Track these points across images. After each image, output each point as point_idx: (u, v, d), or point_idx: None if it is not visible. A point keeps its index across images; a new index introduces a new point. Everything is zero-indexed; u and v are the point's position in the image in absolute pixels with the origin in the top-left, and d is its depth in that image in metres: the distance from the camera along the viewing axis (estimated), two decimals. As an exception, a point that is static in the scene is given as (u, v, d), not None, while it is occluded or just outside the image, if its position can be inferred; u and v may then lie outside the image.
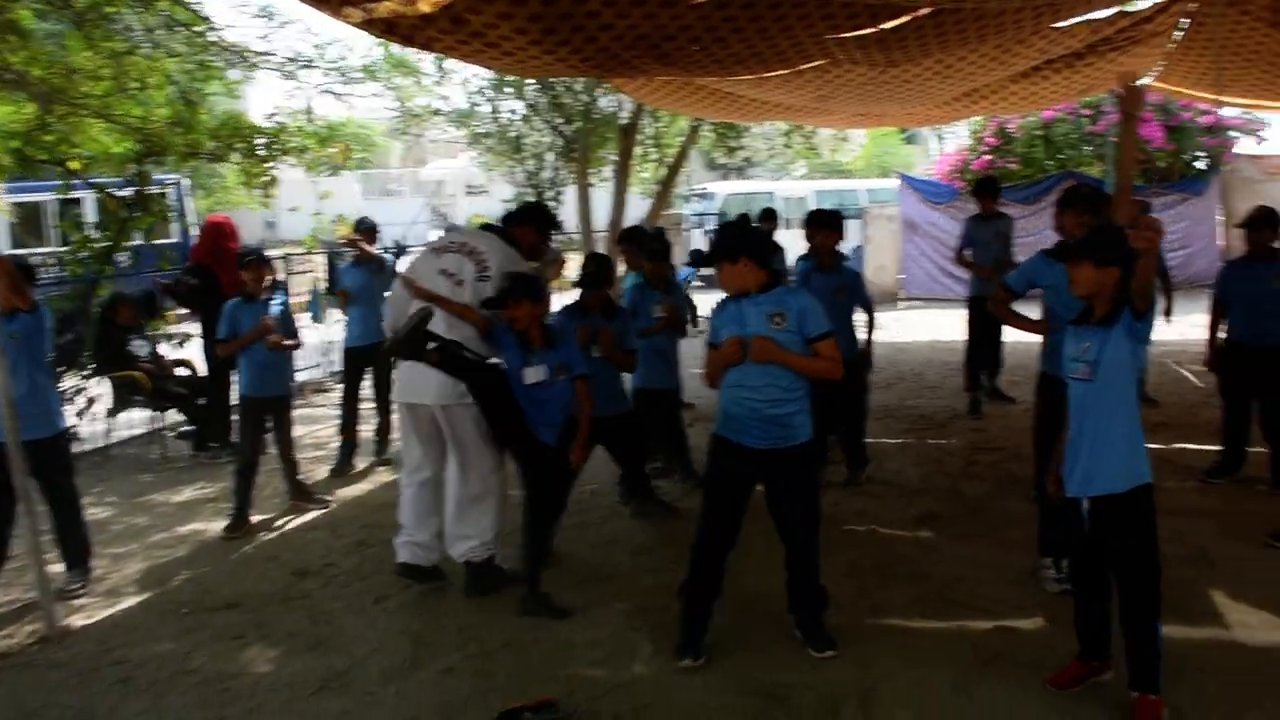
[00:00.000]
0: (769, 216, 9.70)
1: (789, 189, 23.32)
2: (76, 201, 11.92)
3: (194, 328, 8.87)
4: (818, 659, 3.95)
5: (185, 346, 9.13)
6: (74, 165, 9.25)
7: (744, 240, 4.02)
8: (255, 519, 6.11)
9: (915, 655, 3.96)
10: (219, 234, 8.15)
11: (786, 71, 7.16)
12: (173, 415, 8.40)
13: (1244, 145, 17.08)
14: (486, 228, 4.88)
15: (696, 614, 3.98)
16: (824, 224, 6.40)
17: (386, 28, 5.23)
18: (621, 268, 7.46)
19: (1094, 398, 3.40)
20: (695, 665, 3.84)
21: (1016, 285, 4.74)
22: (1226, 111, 14.67)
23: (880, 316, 6.79)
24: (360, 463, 7.52)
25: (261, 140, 9.82)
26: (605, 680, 3.90)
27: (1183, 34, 8.27)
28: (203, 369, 8.43)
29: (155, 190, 9.89)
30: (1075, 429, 3.49)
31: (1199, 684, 3.62)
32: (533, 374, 4.46)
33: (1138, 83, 10.33)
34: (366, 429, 7.74)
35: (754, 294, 3.91)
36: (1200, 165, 17.03)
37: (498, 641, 4.28)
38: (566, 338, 4.78)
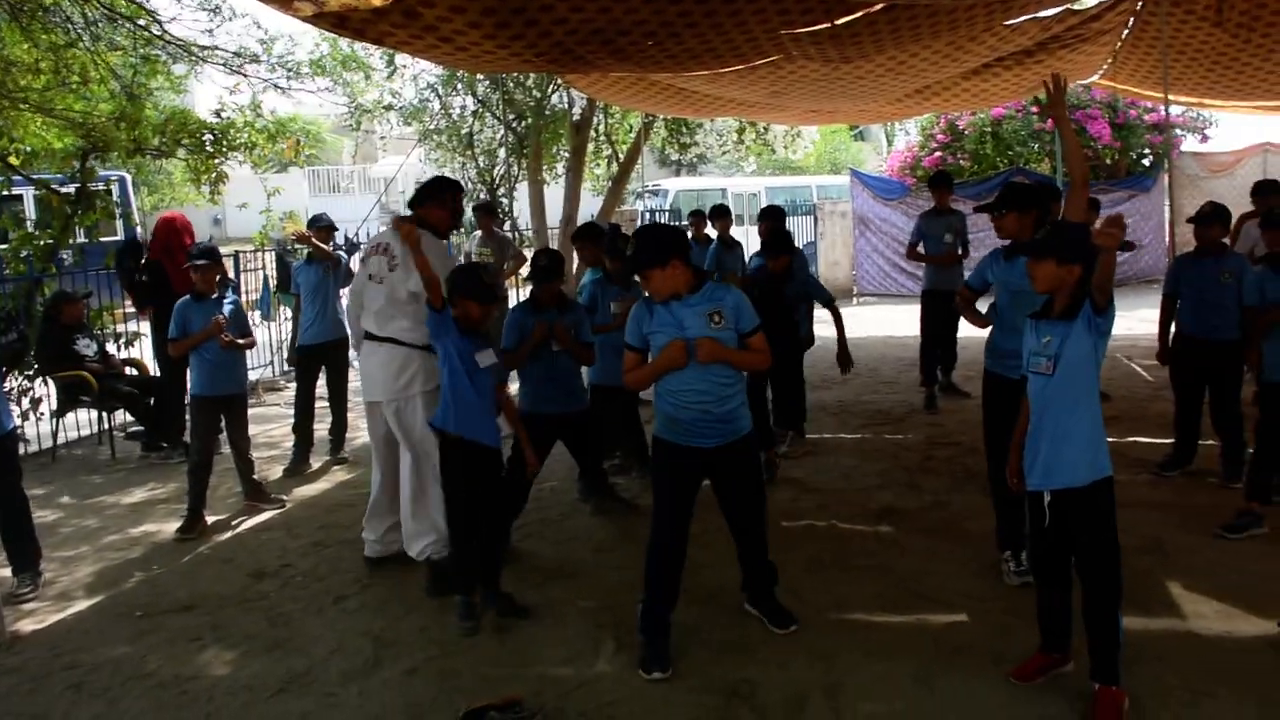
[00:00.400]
0: (723, 213, 9.69)
1: (741, 185, 23.40)
2: (17, 198, 11.63)
3: (144, 326, 8.69)
4: (782, 651, 3.97)
5: (134, 346, 8.95)
6: (13, 160, 9.02)
7: (671, 242, 3.91)
8: (209, 520, 6.01)
9: (878, 649, 3.98)
10: (171, 230, 7.99)
11: (741, 67, 7.18)
12: (121, 415, 8.24)
13: (1189, 143, 17.44)
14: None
15: (658, 626, 3.96)
16: (776, 251, 6.55)
17: (338, 22, 5.17)
18: (576, 263, 7.45)
19: (1055, 392, 3.43)
20: (664, 677, 3.82)
21: (976, 284, 4.81)
22: (1172, 109, 14.94)
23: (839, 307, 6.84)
24: (315, 462, 7.43)
25: (209, 136, 9.66)
26: (571, 678, 3.88)
27: (1129, 32, 8.42)
28: (155, 368, 8.29)
29: (99, 187, 9.69)
30: (1035, 423, 3.51)
31: (1157, 673, 3.67)
32: (485, 357, 4.40)
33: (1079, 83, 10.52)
34: (321, 427, 7.64)
35: (685, 295, 3.88)
36: (1146, 162, 17.35)
37: (461, 641, 4.24)
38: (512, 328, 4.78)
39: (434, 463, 4.68)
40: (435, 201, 4.93)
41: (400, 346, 4.80)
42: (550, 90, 14.69)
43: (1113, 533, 3.43)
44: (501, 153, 16.28)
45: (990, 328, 4.68)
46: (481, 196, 15.70)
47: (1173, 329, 6.07)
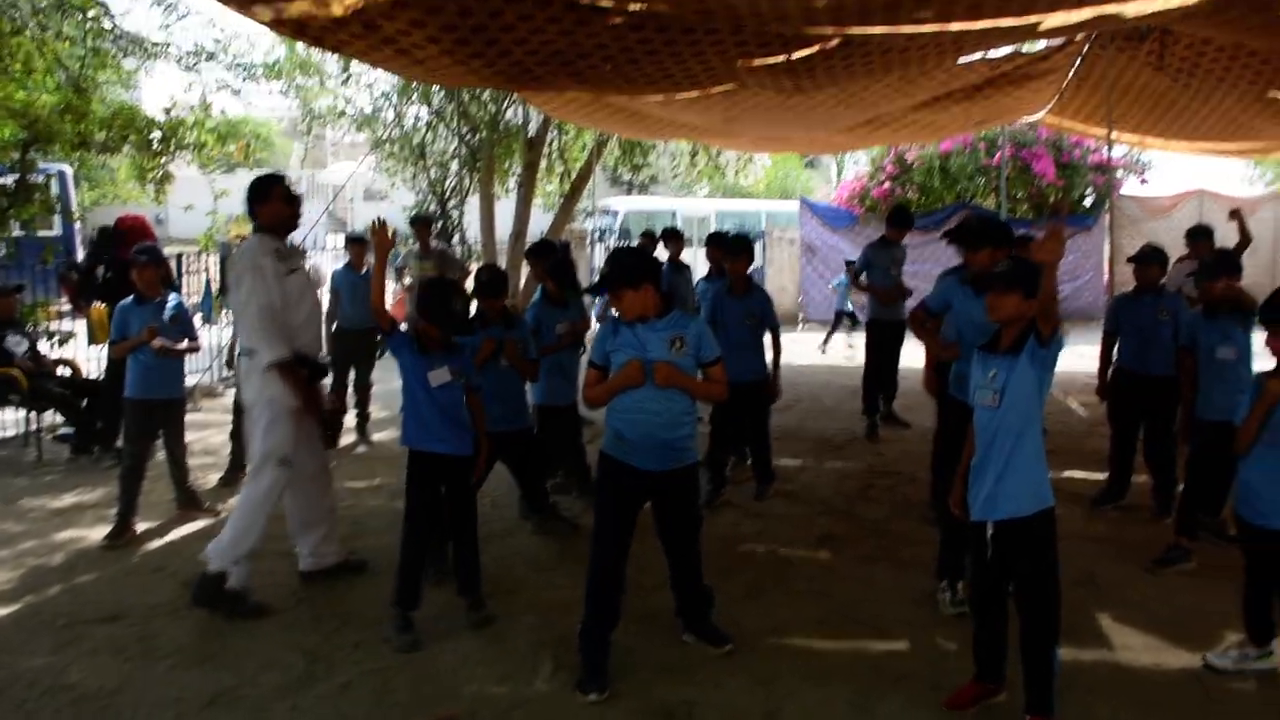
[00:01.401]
0: (675, 236, 9.69)
1: (692, 208, 23.51)
2: (-50, 188, 11.31)
3: (79, 325, 8.50)
4: (721, 674, 3.96)
5: (66, 345, 8.74)
6: (-50, 149, 8.79)
7: (647, 266, 4.01)
8: (140, 527, 5.86)
9: (817, 674, 4.00)
10: (144, 232, 7.84)
11: (696, 93, 7.23)
12: (51, 416, 8.02)
13: (1129, 185, 17.90)
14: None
15: (598, 646, 3.94)
16: (737, 250, 6.46)
17: (297, 28, 5.12)
18: (524, 279, 7.41)
19: (1000, 424, 3.47)
20: (601, 698, 3.80)
21: (935, 306, 4.85)
22: (1114, 152, 15.33)
23: (781, 338, 6.85)
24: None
25: (157, 134, 9.49)
26: (508, 697, 3.84)
27: (1075, 72, 8.65)
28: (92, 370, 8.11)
29: (38, 179, 9.46)
30: (981, 454, 3.56)
31: (1087, 704, 3.73)
32: (437, 376, 4.41)
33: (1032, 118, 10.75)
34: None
35: (651, 319, 3.93)
36: (1088, 202, 17.77)
37: (398, 657, 4.18)
38: (463, 347, 4.73)
39: (265, 485, 4.76)
40: (257, 201, 4.72)
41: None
42: (505, 105, 14.65)
43: (1053, 564, 3.48)
44: (454, 165, 16.20)
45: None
46: (432, 209, 15.62)
47: (1112, 365, 6.20)
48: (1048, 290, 3.37)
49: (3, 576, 5.25)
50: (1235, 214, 7.63)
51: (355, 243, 8.58)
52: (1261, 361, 4.27)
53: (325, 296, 8.41)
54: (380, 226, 4.54)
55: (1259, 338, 4.32)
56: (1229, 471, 5.40)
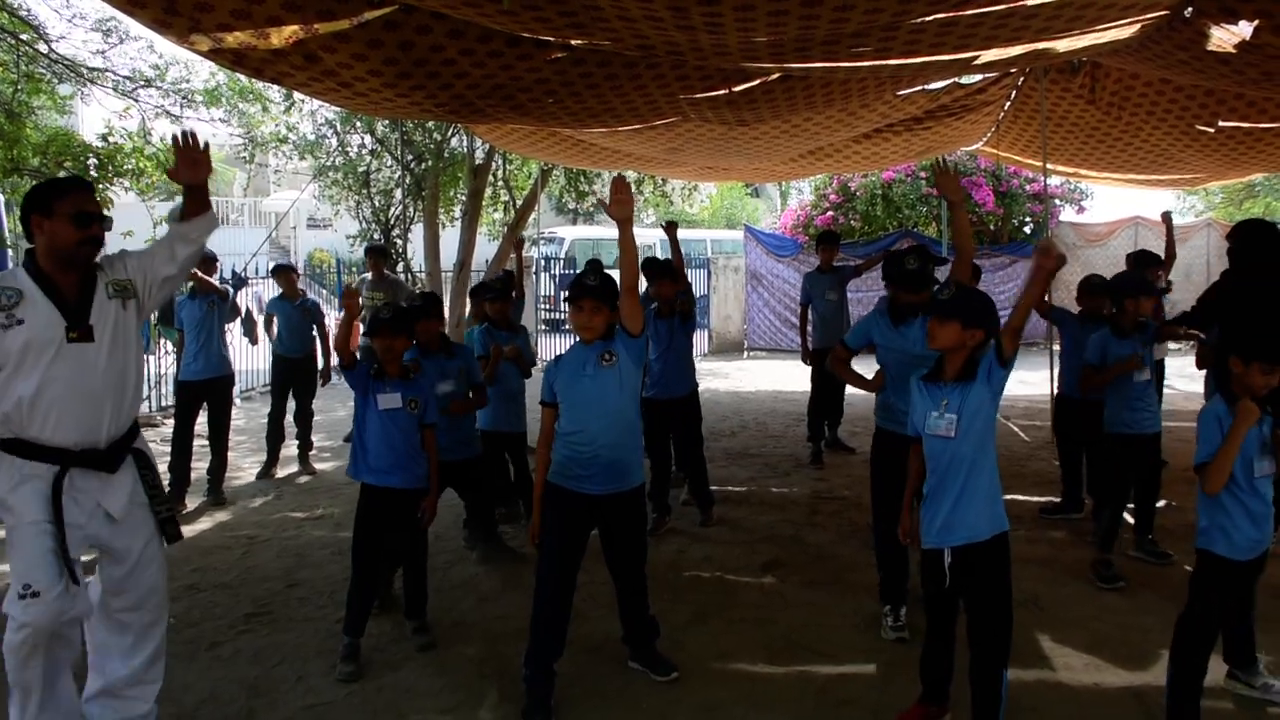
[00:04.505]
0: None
1: (638, 236, 23.54)
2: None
3: None
4: (666, 702, 3.96)
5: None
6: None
7: (614, 291, 4.03)
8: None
9: (762, 700, 4.01)
10: None
11: (639, 125, 7.30)
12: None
13: (1067, 213, 18.32)
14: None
15: (544, 675, 3.91)
16: (663, 273, 6.53)
17: (236, 59, 5.09)
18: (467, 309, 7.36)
19: (955, 452, 3.48)
20: None
21: (854, 343, 4.86)
22: (1051, 181, 15.69)
23: (725, 365, 6.90)
24: (191, 502, 7.17)
25: (93, 160, 9.37)
26: (451, 730, 3.81)
27: (1011, 104, 8.85)
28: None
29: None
30: (935, 484, 3.55)
31: (1028, 725, 3.78)
32: (386, 400, 4.42)
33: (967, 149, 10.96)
34: (199, 466, 7.40)
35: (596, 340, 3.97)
36: (1027, 229, 18.14)
37: (339, 690, 4.12)
38: (419, 380, 4.70)
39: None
40: (39, 213, 3.31)
41: None
42: (450, 133, 14.65)
43: (1008, 587, 3.52)
44: (398, 193, 16.11)
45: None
46: (375, 237, 15.52)
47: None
48: (1026, 308, 3.43)
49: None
50: (1166, 217, 7.67)
51: (284, 271, 8.53)
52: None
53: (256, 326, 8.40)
54: (350, 294, 4.53)
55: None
56: (1151, 488, 5.62)
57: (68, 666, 3.38)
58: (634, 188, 18.51)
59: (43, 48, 9.15)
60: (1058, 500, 6.68)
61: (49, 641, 3.23)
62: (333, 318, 10.60)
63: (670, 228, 6.75)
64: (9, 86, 9.41)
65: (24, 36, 8.96)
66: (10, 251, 15.70)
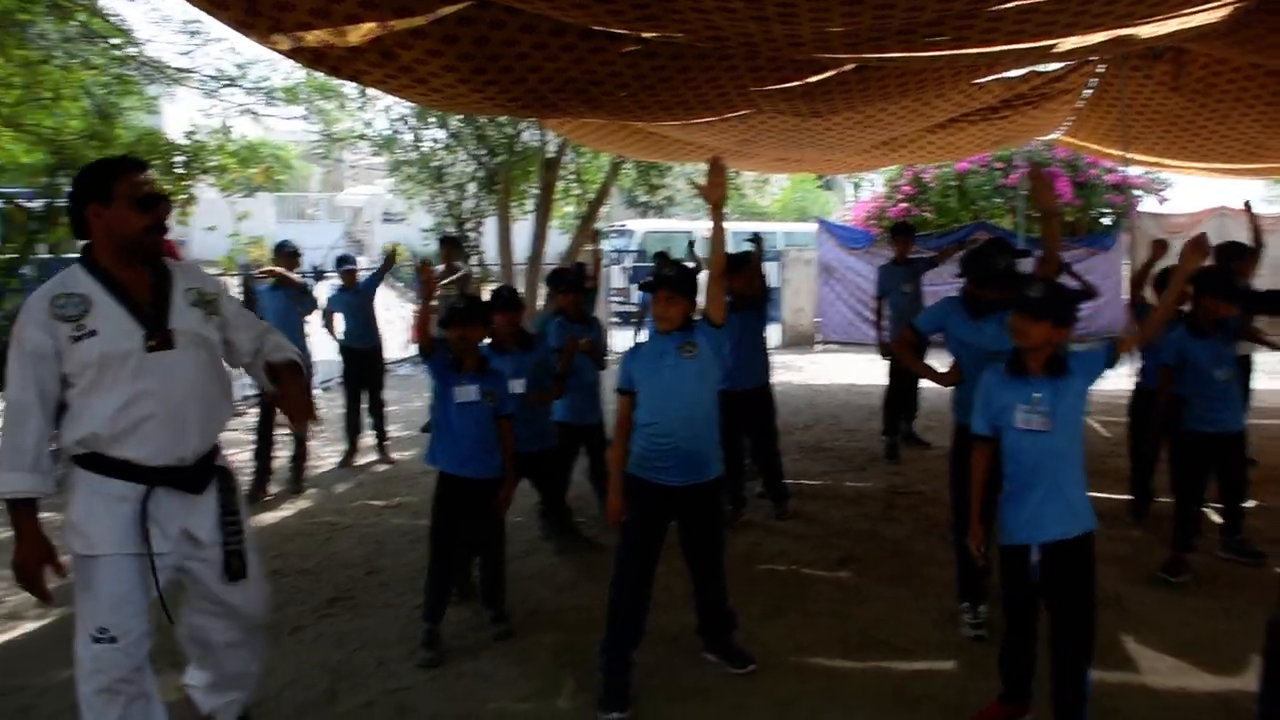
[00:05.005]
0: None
1: (708, 229, 23.50)
2: (-22, 211, 11.50)
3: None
4: (740, 696, 3.97)
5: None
6: (-21, 174, 8.95)
7: (694, 284, 4.06)
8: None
9: (839, 695, 3.99)
10: (170, 254, 7.94)
11: (711, 117, 7.29)
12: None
13: (1147, 204, 17.84)
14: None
15: (620, 665, 3.94)
16: (737, 266, 6.50)
17: (315, 57, 5.19)
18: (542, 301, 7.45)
19: (1049, 448, 3.45)
20: (622, 718, 3.80)
21: (925, 327, 4.79)
22: (1132, 172, 15.31)
23: (798, 359, 6.87)
24: (274, 489, 7.36)
25: (180, 157, 9.63)
26: (530, 715, 3.86)
27: (1091, 92, 8.65)
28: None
29: (65, 203, 9.61)
30: (1023, 479, 3.49)
31: (1112, 726, 3.71)
32: (463, 392, 4.47)
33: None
34: (281, 455, 7.58)
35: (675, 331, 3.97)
36: (1106, 221, 17.72)
37: (419, 675, 4.20)
38: (499, 371, 4.76)
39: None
40: (96, 201, 2.92)
41: None
42: (522, 127, 14.77)
43: (1093, 586, 3.47)
44: (471, 187, 16.31)
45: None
46: (449, 231, 15.71)
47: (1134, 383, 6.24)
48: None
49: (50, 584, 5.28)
50: (1248, 206, 7.33)
51: (347, 264, 8.68)
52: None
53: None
54: (424, 267, 4.59)
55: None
56: (1236, 487, 5.46)
57: (156, 701, 3.04)
58: (705, 179, 18.51)
59: (132, 50, 9.43)
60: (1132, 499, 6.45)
61: (128, 689, 2.91)
62: (408, 309, 10.79)
63: (754, 240, 6.75)
64: (102, 89, 9.72)
65: (115, 41, 9.25)
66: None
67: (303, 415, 3.30)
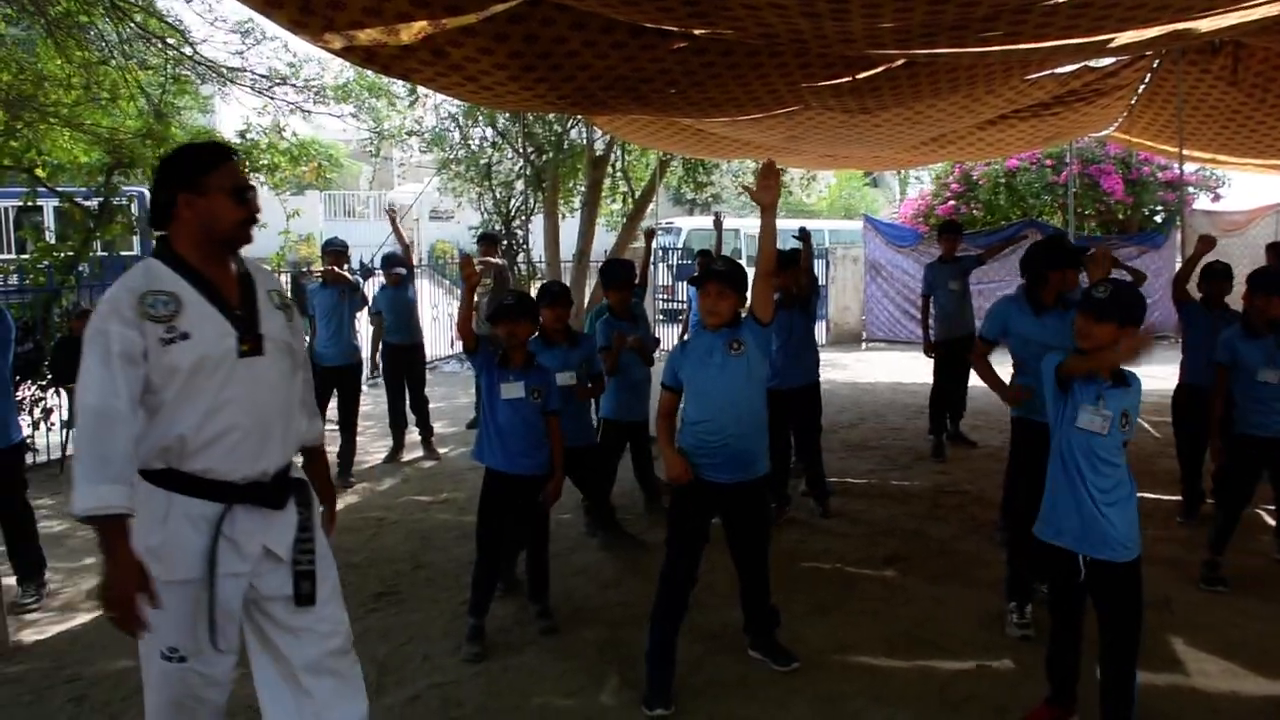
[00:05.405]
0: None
1: (754, 226, 23.30)
2: (38, 209, 11.78)
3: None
4: (785, 693, 3.96)
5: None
6: (39, 173, 9.15)
7: (744, 280, 4.05)
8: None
9: (883, 694, 3.97)
10: None
11: (760, 114, 7.27)
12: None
13: (1201, 201, 17.51)
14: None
15: (664, 661, 3.95)
16: (786, 263, 6.48)
17: (367, 56, 5.25)
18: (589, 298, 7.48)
19: (1104, 451, 3.43)
20: (667, 714, 3.81)
21: (992, 334, 4.77)
22: (1186, 168, 15.05)
23: (843, 357, 6.84)
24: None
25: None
26: (574, 711, 3.88)
27: (1145, 88, 8.52)
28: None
29: (121, 202, 9.81)
30: (1069, 479, 3.47)
31: (1162, 730, 3.66)
32: (509, 389, 4.49)
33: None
34: (329, 450, 7.67)
35: (724, 328, 3.97)
36: (1158, 219, 17.43)
37: (465, 670, 4.24)
38: (544, 366, 4.78)
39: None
40: (188, 190, 2.65)
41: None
42: (570, 125, 14.82)
43: (1141, 603, 3.45)
44: (519, 185, 16.39)
45: (1007, 378, 4.68)
46: (496, 228, 15.81)
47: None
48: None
49: (90, 582, 5.44)
50: None
51: (394, 264, 8.72)
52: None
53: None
54: (465, 260, 4.59)
55: None
56: None
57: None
58: (751, 177, 18.46)
59: (187, 51, 9.59)
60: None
61: (200, 706, 2.73)
62: (455, 307, 10.86)
63: (803, 237, 6.72)
64: (158, 89, 9.90)
65: (170, 41, 9.42)
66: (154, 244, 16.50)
67: (331, 508, 3.15)
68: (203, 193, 2.62)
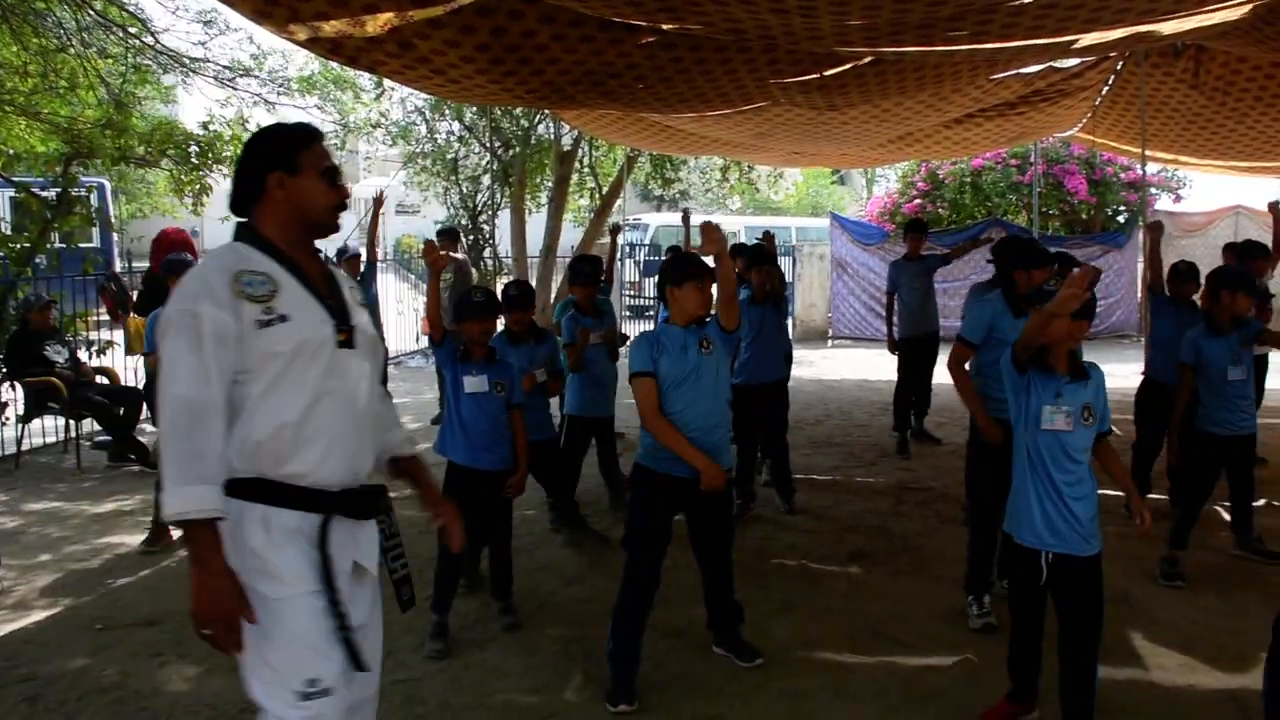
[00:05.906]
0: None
1: (722, 223, 23.44)
2: (-7, 200, 11.60)
3: (117, 335, 8.63)
4: (749, 689, 3.97)
5: (105, 354, 8.88)
6: (-5, 162, 9.00)
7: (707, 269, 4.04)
8: (176, 533, 5.93)
9: (847, 690, 3.99)
10: (173, 245, 8.00)
11: (728, 110, 7.27)
12: (89, 424, 8.15)
13: (1163, 202, 17.73)
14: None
15: (628, 658, 3.93)
16: (755, 260, 6.51)
17: (332, 47, 5.20)
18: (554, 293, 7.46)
19: (1073, 448, 3.43)
20: (631, 710, 3.81)
21: (976, 337, 4.65)
22: (1148, 169, 15.22)
23: (810, 354, 6.87)
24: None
25: (195, 148, 9.65)
26: (538, 707, 3.86)
27: (1109, 89, 8.60)
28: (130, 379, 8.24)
29: (79, 193, 9.65)
30: (1035, 477, 3.48)
31: (1121, 724, 3.70)
32: (472, 383, 4.48)
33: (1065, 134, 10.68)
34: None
35: (694, 326, 3.99)
36: (1121, 219, 17.63)
37: (428, 666, 4.21)
38: (506, 359, 4.77)
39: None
40: (281, 169, 2.42)
41: None
42: (537, 120, 14.77)
43: (1101, 591, 3.47)
44: (486, 179, 16.32)
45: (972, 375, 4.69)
46: (462, 223, 15.73)
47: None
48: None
49: (44, 580, 5.34)
50: (1274, 207, 6.98)
51: (352, 258, 8.72)
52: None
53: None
54: (429, 246, 4.56)
55: None
56: (1245, 485, 5.41)
57: None
58: (719, 174, 18.49)
59: (149, 40, 9.45)
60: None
61: None
62: (421, 302, 10.81)
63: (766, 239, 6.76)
64: (118, 79, 9.75)
65: (132, 30, 9.27)
66: (116, 236, 16.29)
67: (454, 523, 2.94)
68: (296, 172, 2.41)
